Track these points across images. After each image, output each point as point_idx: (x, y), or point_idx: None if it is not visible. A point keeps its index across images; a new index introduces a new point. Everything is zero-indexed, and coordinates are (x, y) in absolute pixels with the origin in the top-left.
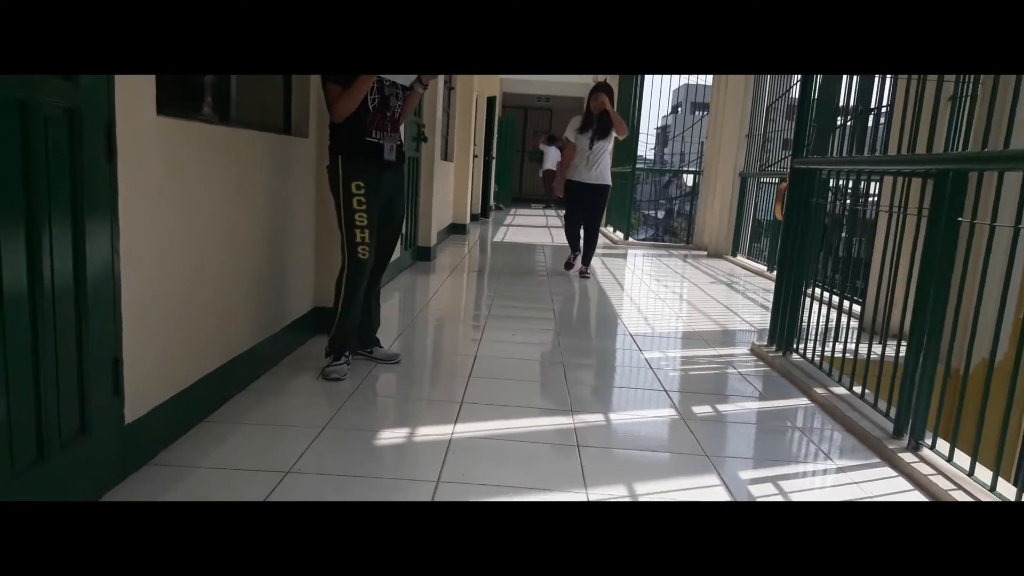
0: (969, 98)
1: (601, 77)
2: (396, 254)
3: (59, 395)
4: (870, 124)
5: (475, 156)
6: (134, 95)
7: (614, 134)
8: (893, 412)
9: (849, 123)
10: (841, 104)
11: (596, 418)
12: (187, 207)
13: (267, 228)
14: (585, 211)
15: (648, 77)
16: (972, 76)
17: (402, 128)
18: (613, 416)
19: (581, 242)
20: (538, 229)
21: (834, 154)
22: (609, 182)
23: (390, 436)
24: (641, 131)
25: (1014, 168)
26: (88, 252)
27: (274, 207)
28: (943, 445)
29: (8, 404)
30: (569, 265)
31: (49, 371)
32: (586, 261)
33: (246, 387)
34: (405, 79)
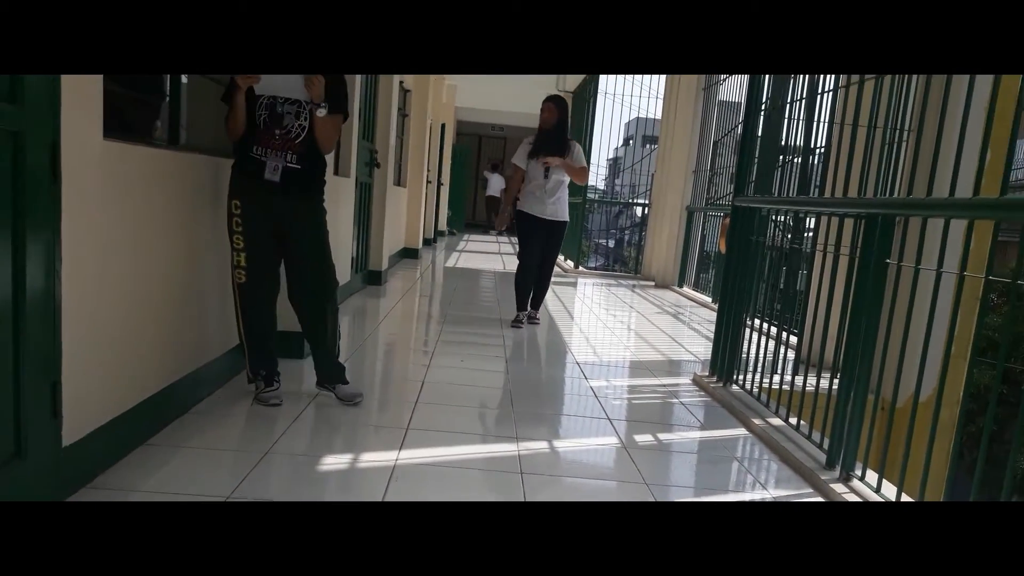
0: (896, 145)
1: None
2: (346, 278)
3: None
4: (811, 164)
5: (428, 182)
6: (81, 118)
7: (571, 154)
8: (826, 443)
9: (790, 163)
10: (782, 143)
11: (541, 445)
12: (131, 230)
13: (211, 251)
14: (543, 250)
15: (600, 107)
16: (900, 125)
17: (329, 159)
18: (558, 443)
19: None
20: (490, 255)
21: (775, 193)
22: (567, 218)
23: (334, 462)
24: (593, 161)
25: (936, 215)
26: (28, 274)
27: (218, 230)
28: (872, 476)
29: None
30: (518, 322)
31: None
32: (536, 304)
33: (188, 410)
34: (297, 92)
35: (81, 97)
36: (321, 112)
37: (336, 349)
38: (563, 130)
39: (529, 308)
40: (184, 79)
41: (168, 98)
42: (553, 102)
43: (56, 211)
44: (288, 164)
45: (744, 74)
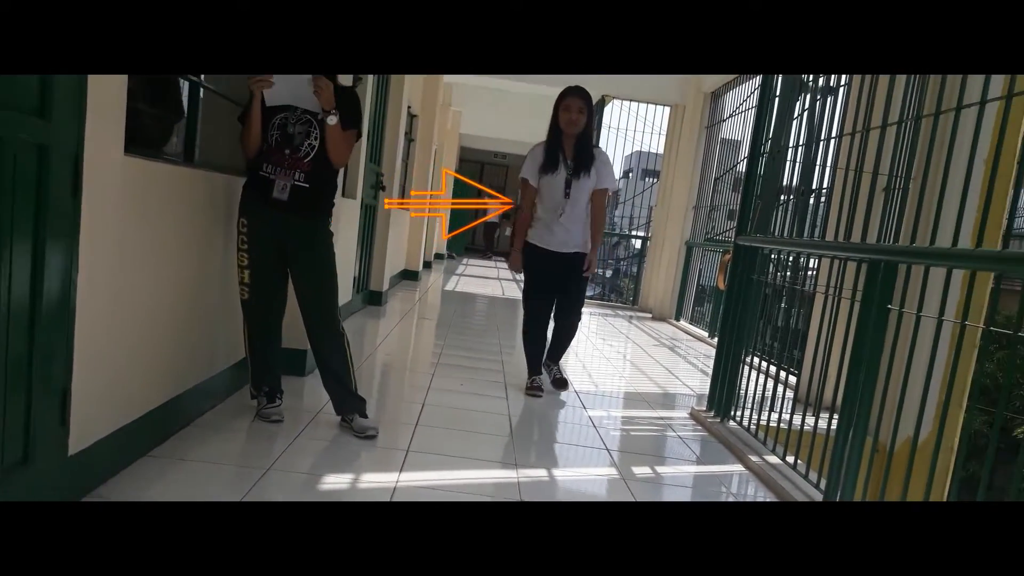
0: (900, 190)
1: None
2: (347, 297)
3: (4, 422)
4: (811, 204)
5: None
6: (103, 134)
7: (597, 171)
8: (823, 483)
9: (791, 202)
10: (785, 183)
11: (540, 473)
12: (146, 244)
13: (221, 266)
14: (558, 291)
15: (604, 140)
16: (904, 170)
17: (338, 182)
18: (556, 472)
19: (547, 346)
20: (488, 280)
21: (776, 232)
22: (587, 248)
23: (334, 481)
24: None
25: (938, 264)
26: (46, 283)
27: (229, 246)
28: None
29: None
30: (535, 390)
31: None
32: (556, 356)
33: (191, 423)
34: (311, 103)
35: (105, 112)
36: (332, 120)
37: (351, 379)
38: (591, 138)
39: (547, 360)
40: (201, 94)
41: (185, 115)
42: (582, 98)
43: (75, 223)
44: (296, 183)
45: (743, 74)
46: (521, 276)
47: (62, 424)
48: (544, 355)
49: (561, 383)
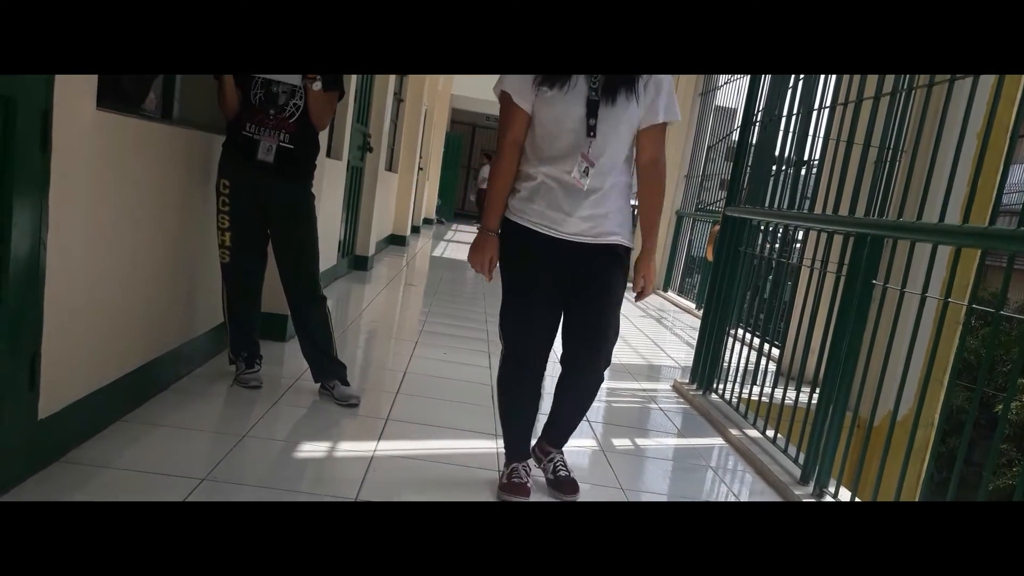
0: (888, 163)
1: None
2: (332, 262)
3: None
4: (802, 176)
5: (420, 169)
6: (74, 87)
7: (648, 94)
8: (802, 458)
9: (783, 173)
10: (776, 153)
11: None
12: (121, 203)
13: (201, 228)
14: (570, 313)
15: None
16: (893, 143)
17: (322, 140)
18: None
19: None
20: None
21: (766, 204)
22: (629, 238)
23: (311, 449)
24: None
25: (924, 240)
26: (13, 244)
27: (209, 207)
28: (845, 493)
29: None
30: (515, 488)
31: None
32: (556, 438)
33: (168, 387)
34: (289, 76)
35: None
36: (316, 86)
37: (332, 345)
38: None
39: (541, 442)
40: None
41: None
42: None
43: (45, 181)
44: (282, 144)
45: (744, 74)
46: (487, 278)
47: (32, 388)
48: (531, 422)
49: (567, 485)
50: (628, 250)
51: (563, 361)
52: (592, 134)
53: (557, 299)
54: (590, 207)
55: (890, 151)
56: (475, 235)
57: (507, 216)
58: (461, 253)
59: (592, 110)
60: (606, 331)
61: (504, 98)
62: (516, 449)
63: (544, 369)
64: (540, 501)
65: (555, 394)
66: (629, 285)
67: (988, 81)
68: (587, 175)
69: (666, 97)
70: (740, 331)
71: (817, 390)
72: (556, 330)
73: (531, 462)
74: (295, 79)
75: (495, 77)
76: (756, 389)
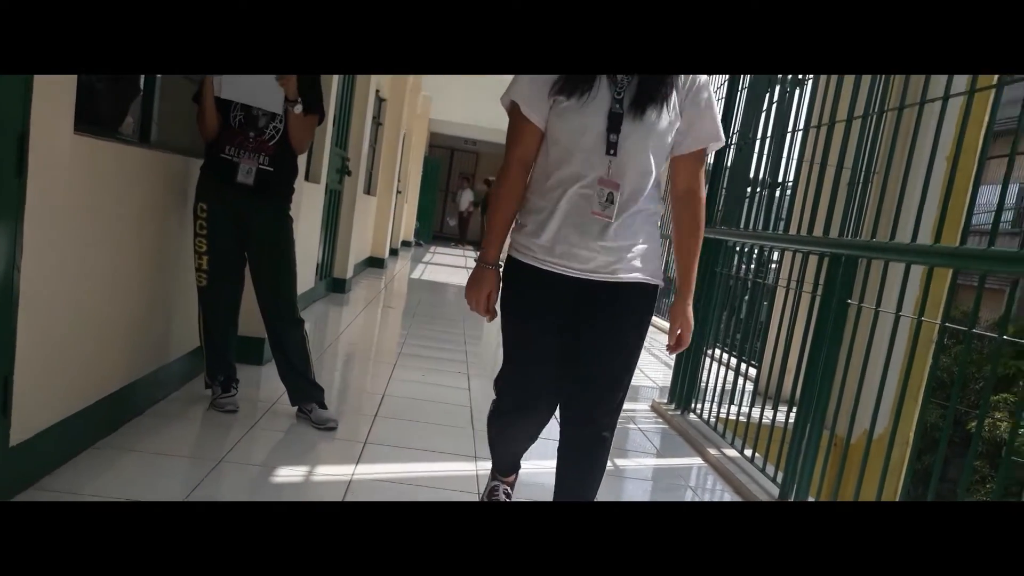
0: (861, 185)
1: None
2: (310, 284)
3: None
4: (777, 197)
5: (398, 192)
6: (51, 111)
7: (685, 112)
8: (780, 477)
9: (758, 194)
10: (751, 175)
11: None
12: (98, 227)
13: (178, 251)
14: (578, 364)
15: None
16: (865, 165)
17: (300, 163)
18: None
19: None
20: (456, 269)
21: (741, 225)
22: (659, 276)
23: (288, 474)
24: None
25: (897, 259)
26: None
27: (186, 230)
28: None
29: None
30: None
31: None
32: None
33: (143, 412)
34: (272, 105)
35: (53, 89)
36: (297, 109)
37: (310, 368)
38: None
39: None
40: (158, 76)
41: (141, 94)
42: None
43: (20, 204)
44: (261, 166)
45: (744, 74)
46: (487, 319)
47: (3, 414)
48: (519, 460)
49: None
50: (656, 289)
51: (560, 414)
52: (612, 152)
53: (568, 346)
54: (610, 239)
55: (863, 173)
56: (456, 258)
57: (511, 254)
58: (439, 275)
59: (614, 124)
60: (619, 379)
61: (513, 110)
62: (504, 463)
63: (551, 415)
64: (523, 501)
65: (556, 472)
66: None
67: (956, 104)
68: (611, 202)
69: (707, 116)
70: (717, 351)
71: (794, 409)
72: (560, 387)
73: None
74: (275, 106)
75: (471, 104)
76: (734, 409)
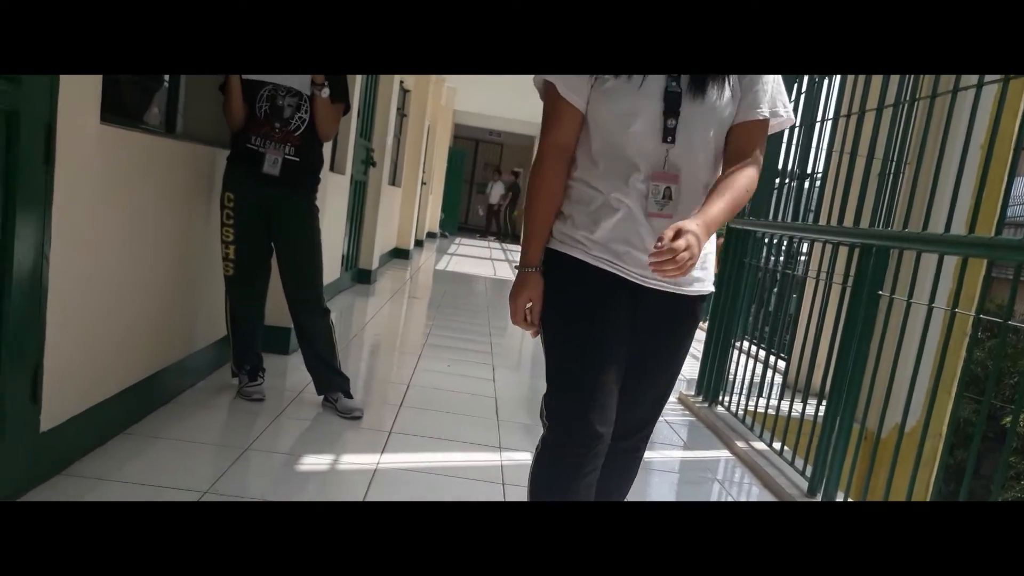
0: (894, 175)
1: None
2: (335, 275)
3: None
4: (806, 188)
5: (423, 183)
6: (78, 102)
7: (745, 82)
8: (809, 471)
9: (787, 185)
10: (780, 167)
11: (523, 456)
12: (125, 216)
13: (204, 241)
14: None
15: None
16: (897, 155)
17: (325, 153)
18: None
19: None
20: (481, 260)
21: (770, 216)
22: (711, 285)
23: (313, 462)
24: None
25: (930, 250)
26: (16, 256)
27: (212, 221)
28: None
29: None
30: None
31: None
32: None
33: (170, 400)
34: (298, 82)
35: (80, 79)
36: (325, 93)
37: (336, 357)
38: None
39: None
40: None
41: (167, 84)
42: None
43: (48, 194)
44: (287, 156)
45: (743, 74)
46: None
47: (34, 401)
48: None
49: None
50: (706, 298)
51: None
52: (670, 139)
53: (623, 360)
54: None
55: (894, 163)
56: (481, 250)
57: (552, 247)
58: (464, 267)
59: (672, 106)
60: (665, 393)
61: (548, 90)
62: None
63: (603, 456)
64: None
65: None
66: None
67: (991, 92)
68: (669, 199)
69: (770, 87)
70: (745, 343)
71: (824, 402)
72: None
73: None
74: (300, 83)
75: (496, 95)
76: (762, 401)
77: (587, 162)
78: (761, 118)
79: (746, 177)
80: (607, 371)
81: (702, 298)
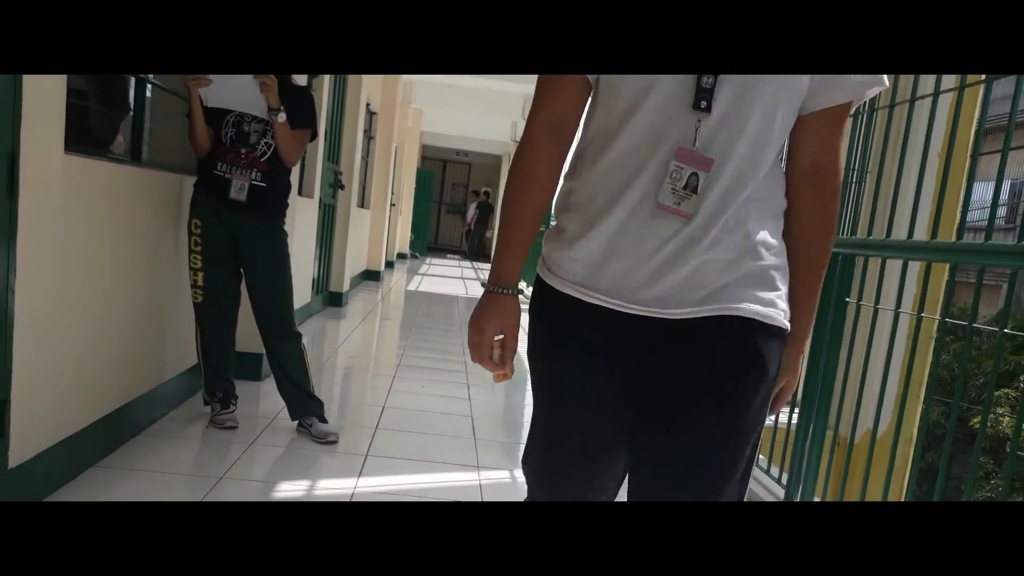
0: (856, 184)
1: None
2: (306, 299)
3: None
4: None
5: (392, 204)
6: (41, 132)
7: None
8: (784, 478)
9: None
10: None
11: (502, 475)
12: (91, 246)
13: (172, 269)
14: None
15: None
16: (859, 165)
17: (293, 179)
18: (518, 473)
19: None
20: (452, 280)
21: None
22: (781, 317)
23: (289, 489)
24: None
25: (895, 256)
26: None
27: (181, 248)
28: None
29: None
30: None
31: None
32: None
33: (142, 431)
34: (260, 108)
35: (43, 108)
36: (281, 118)
37: (309, 381)
38: None
39: None
40: (148, 93)
41: (131, 112)
42: None
43: (12, 225)
44: (254, 182)
45: (744, 74)
46: (499, 373)
47: (1, 436)
48: None
49: None
50: (781, 332)
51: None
52: (704, 104)
53: (626, 427)
54: (700, 252)
55: (856, 172)
56: (453, 269)
57: (539, 273)
58: (435, 287)
59: (708, 95)
60: (728, 475)
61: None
62: None
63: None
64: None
65: None
66: None
67: (947, 100)
68: (694, 192)
69: None
70: None
71: (797, 410)
72: (620, 483)
73: None
74: (260, 110)
75: (462, 115)
76: None
77: (591, 153)
78: (847, 103)
79: (827, 239)
80: (571, 469)
81: (756, 326)
